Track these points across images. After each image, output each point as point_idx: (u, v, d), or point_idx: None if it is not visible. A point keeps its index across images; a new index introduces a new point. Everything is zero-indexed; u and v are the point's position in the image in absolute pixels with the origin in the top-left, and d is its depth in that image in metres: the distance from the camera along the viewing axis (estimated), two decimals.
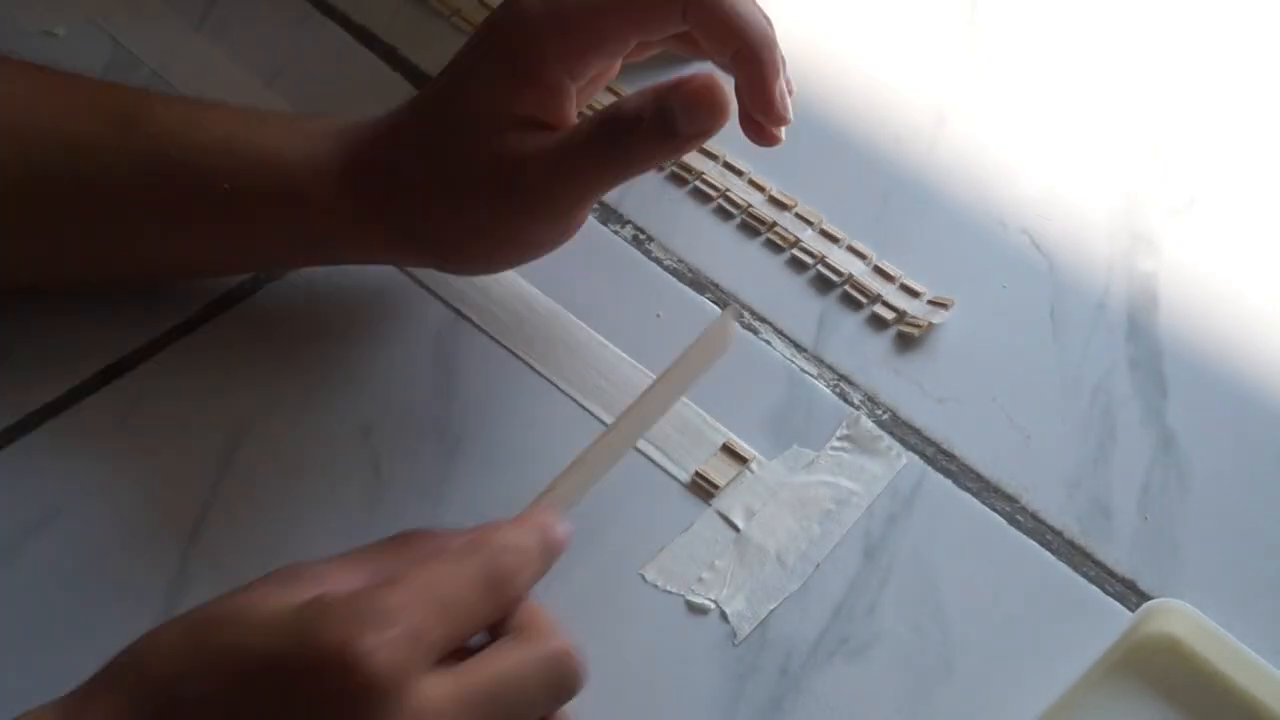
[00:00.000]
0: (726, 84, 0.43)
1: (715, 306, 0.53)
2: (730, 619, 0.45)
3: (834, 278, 0.54)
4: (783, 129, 0.46)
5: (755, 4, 0.46)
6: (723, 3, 0.45)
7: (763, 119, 0.46)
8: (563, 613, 0.43)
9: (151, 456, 0.48)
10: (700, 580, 0.46)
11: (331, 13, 0.65)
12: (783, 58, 0.46)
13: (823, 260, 0.54)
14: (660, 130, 0.43)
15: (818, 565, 0.46)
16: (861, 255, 0.54)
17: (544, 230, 0.47)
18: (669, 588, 0.46)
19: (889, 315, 0.52)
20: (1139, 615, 0.44)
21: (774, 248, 0.55)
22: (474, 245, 0.47)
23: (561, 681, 0.36)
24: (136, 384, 0.50)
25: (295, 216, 0.47)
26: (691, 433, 0.49)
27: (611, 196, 0.57)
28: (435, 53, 0.63)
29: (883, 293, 0.53)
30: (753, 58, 0.45)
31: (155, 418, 0.49)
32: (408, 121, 0.47)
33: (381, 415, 0.49)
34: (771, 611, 0.45)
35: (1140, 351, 0.52)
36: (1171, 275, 0.54)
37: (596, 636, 0.44)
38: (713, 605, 0.45)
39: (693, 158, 0.58)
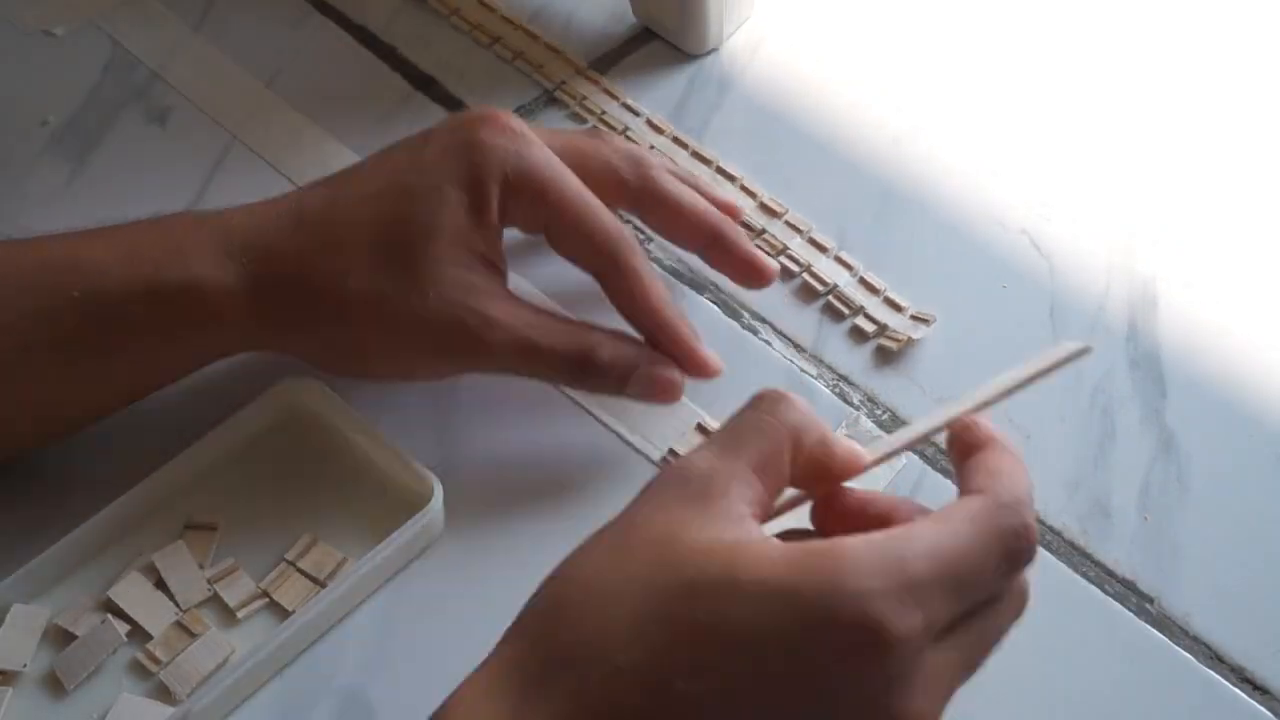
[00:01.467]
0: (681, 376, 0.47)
1: (715, 307, 0.53)
2: None
3: (819, 287, 0.54)
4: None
5: (701, 196, 0.50)
6: (668, 204, 0.48)
7: (749, 283, 0.50)
8: None
9: None
10: None
11: (331, 13, 0.65)
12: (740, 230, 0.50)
13: (809, 269, 0.54)
14: (616, 387, 0.47)
15: None
16: (848, 266, 0.54)
17: (449, 372, 0.48)
18: None
19: (870, 328, 0.52)
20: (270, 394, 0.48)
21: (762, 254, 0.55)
22: (376, 367, 0.48)
23: (1021, 614, 0.35)
24: None
25: (208, 340, 0.46)
26: (690, 432, 0.49)
27: None
28: (435, 53, 0.63)
29: (866, 305, 0.53)
30: (716, 246, 0.49)
31: None
32: (314, 232, 0.46)
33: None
34: None
35: (1140, 352, 0.52)
36: (1171, 276, 0.54)
37: None
38: None
39: (687, 163, 0.58)
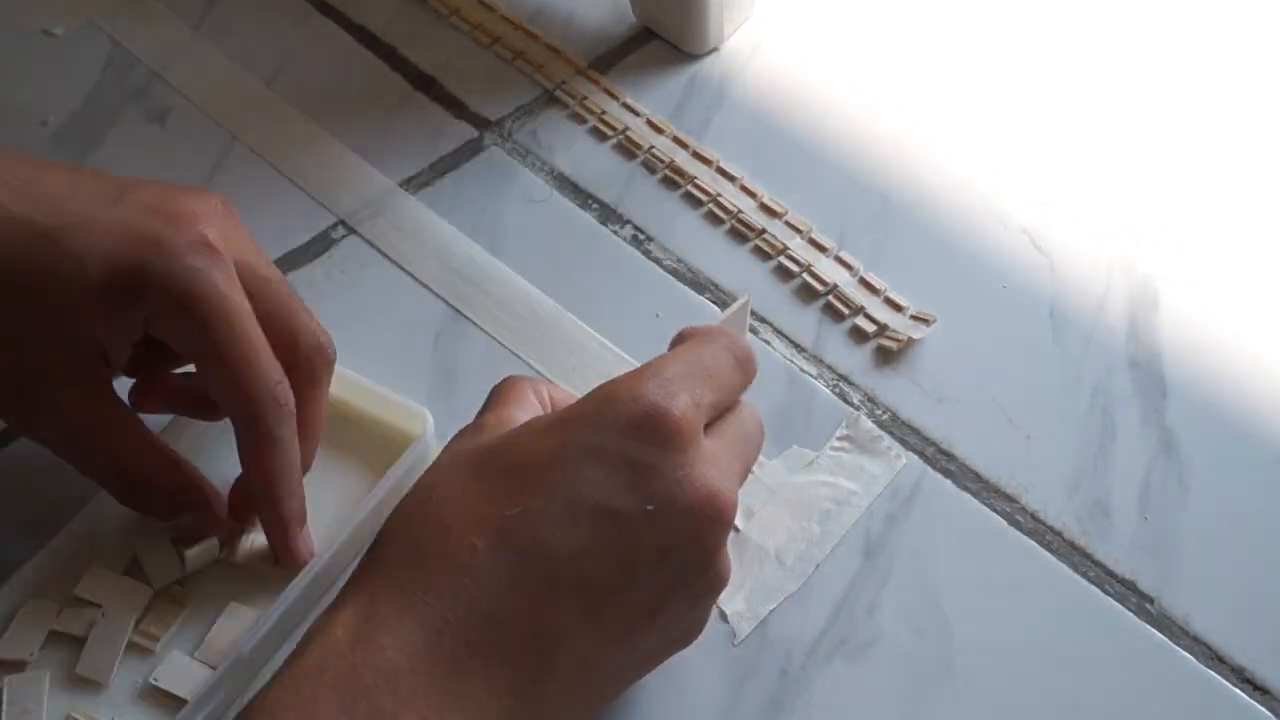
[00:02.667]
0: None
1: (715, 307, 0.53)
2: (730, 619, 0.45)
3: (819, 287, 0.54)
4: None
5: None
6: (308, 397, 0.44)
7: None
8: None
9: None
10: None
11: (331, 13, 0.65)
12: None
13: (809, 269, 0.54)
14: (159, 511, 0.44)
15: (817, 565, 0.46)
16: (848, 266, 0.54)
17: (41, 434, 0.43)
18: None
19: (870, 328, 0.52)
20: None
21: (762, 254, 0.55)
22: None
23: (761, 435, 0.41)
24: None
25: None
26: None
27: (612, 197, 0.57)
28: (435, 53, 0.63)
29: (866, 305, 0.53)
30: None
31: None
32: None
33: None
34: (771, 612, 0.45)
35: (1140, 352, 0.52)
36: (1171, 276, 0.54)
37: None
38: None
39: (686, 163, 0.58)
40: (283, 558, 0.44)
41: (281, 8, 0.65)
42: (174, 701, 0.42)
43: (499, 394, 0.41)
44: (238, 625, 0.44)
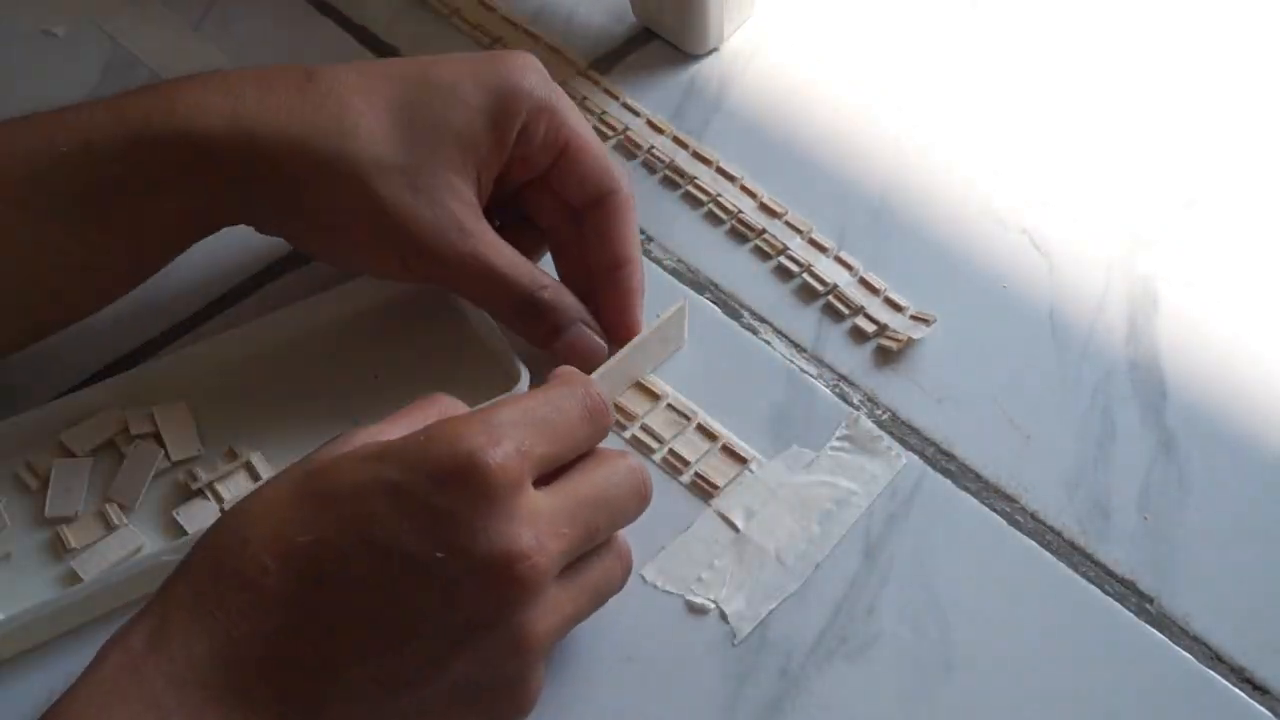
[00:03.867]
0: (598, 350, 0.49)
1: (715, 306, 0.53)
2: (730, 619, 0.45)
3: (819, 287, 0.54)
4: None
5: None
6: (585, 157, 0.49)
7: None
8: None
9: None
10: (700, 580, 0.46)
11: (331, 13, 0.65)
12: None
13: (809, 269, 0.54)
14: (549, 336, 0.48)
15: (817, 565, 0.46)
16: (848, 266, 0.54)
17: (397, 270, 0.48)
18: (668, 588, 0.46)
19: (870, 328, 0.52)
20: None
21: (762, 254, 0.55)
22: (331, 241, 0.48)
23: (643, 491, 0.41)
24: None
25: (195, 194, 0.46)
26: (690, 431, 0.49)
27: None
28: (435, 53, 0.63)
29: (866, 305, 0.53)
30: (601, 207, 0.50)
31: None
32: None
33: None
34: (771, 611, 0.45)
35: (1140, 352, 0.52)
36: (1171, 276, 0.54)
37: (596, 637, 0.44)
38: (712, 605, 0.45)
39: (686, 163, 0.58)
40: (633, 326, 0.49)
41: (282, 8, 0.65)
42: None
43: (402, 411, 0.40)
44: None
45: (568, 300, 0.48)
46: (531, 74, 0.48)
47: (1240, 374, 0.51)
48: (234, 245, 0.51)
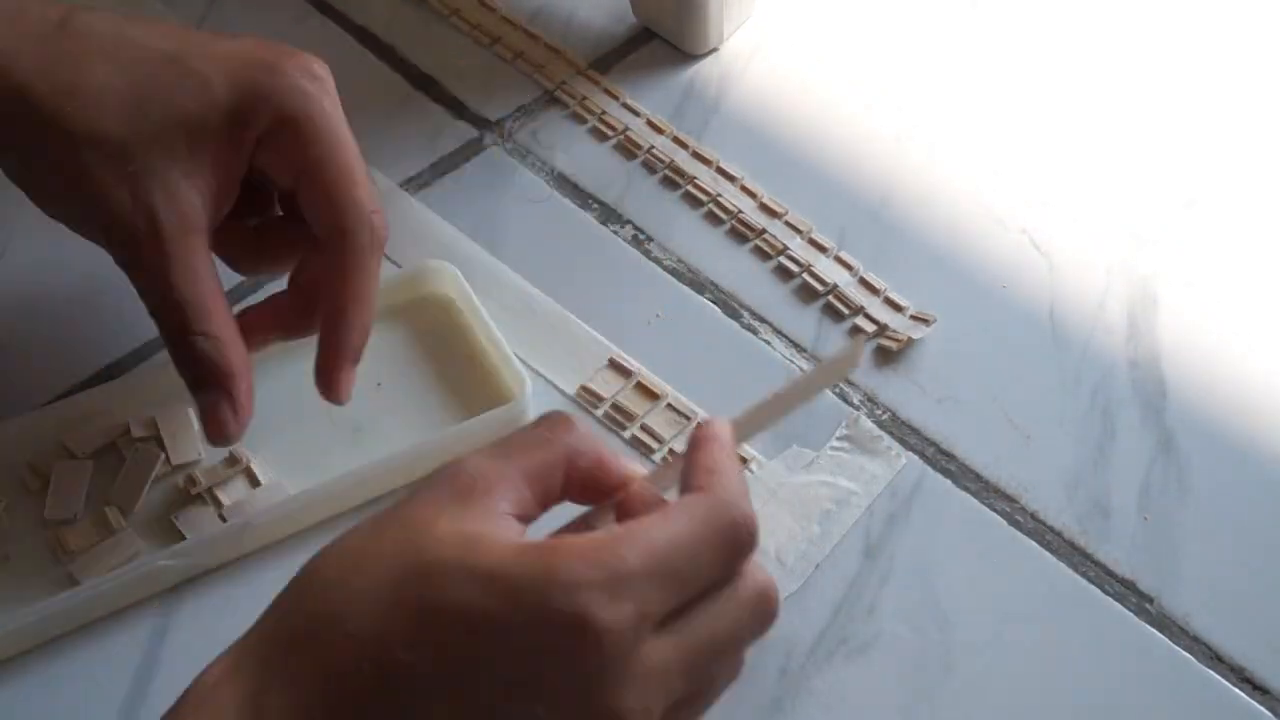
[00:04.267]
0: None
1: (715, 306, 0.53)
2: None
3: (819, 287, 0.54)
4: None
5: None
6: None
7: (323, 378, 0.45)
8: None
9: None
10: None
11: (331, 13, 0.65)
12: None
13: (809, 269, 0.54)
14: (189, 381, 0.44)
15: (817, 565, 0.46)
16: (848, 266, 0.54)
17: (80, 230, 0.45)
18: None
19: (870, 328, 0.52)
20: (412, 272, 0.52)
21: (762, 254, 0.55)
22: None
23: (766, 620, 0.36)
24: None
25: None
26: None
27: (611, 197, 0.57)
28: (435, 53, 0.63)
29: (866, 305, 0.53)
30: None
31: None
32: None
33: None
34: None
35: (1140, 352, 0.52)
36: (1171, 276, 0.54)
37: None
38: None
39: (686, 163, 0.58)
40: (326, 390, 0.44)
41: (281, 8, 0.65)
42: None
43: (528, 440, 0.36)
44: (271, 496, 0.47)
45: (224, 359, 0.43)
46: (295, 78, 0.43)
47: (1240, 374, 0.51)
48: None
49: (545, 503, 0.36)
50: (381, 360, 0.50)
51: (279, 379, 0.49)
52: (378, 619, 0.33)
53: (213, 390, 0.43)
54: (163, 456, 0.47)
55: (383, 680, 0.32)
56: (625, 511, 0.36)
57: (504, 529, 0.34)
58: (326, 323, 0.44)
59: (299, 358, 0.48)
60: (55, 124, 0.42)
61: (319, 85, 0.44)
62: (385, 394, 0.50)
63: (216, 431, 0.43)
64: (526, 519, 0.36)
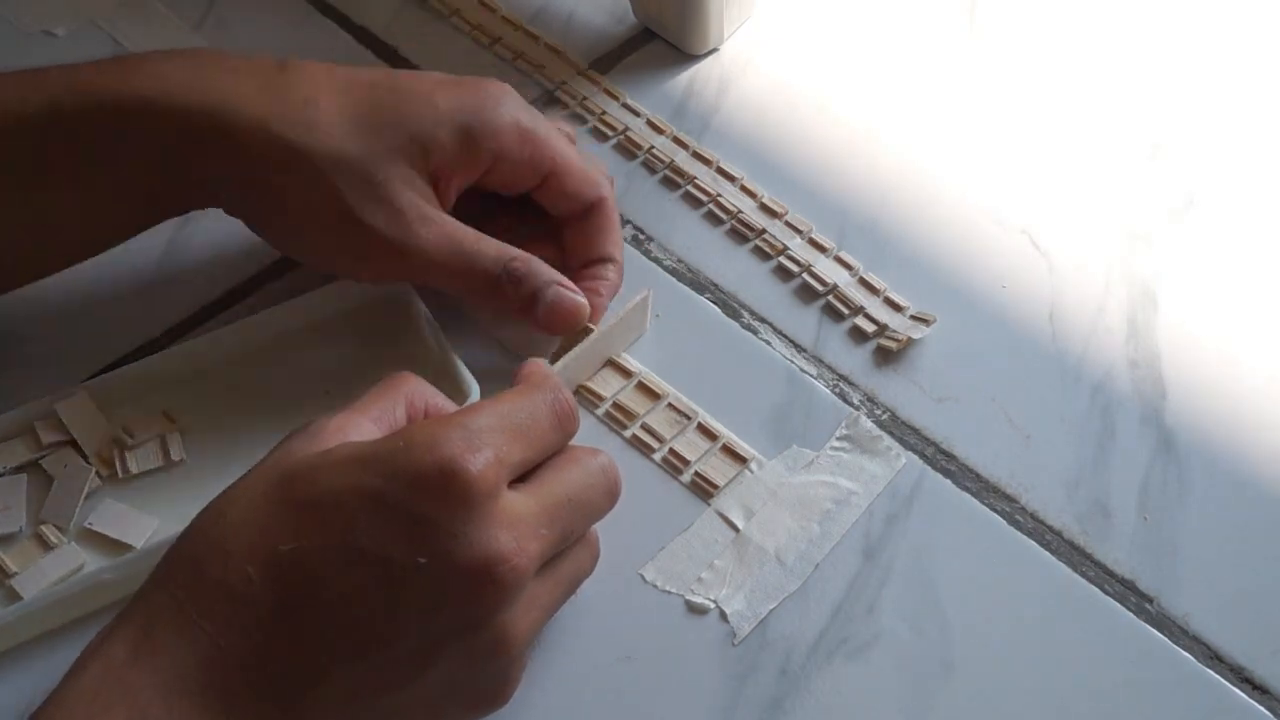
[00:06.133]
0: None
1: (715, 307, 0.53)
2: (730, 619, 0.45)
3: (819, 287, 0.54)
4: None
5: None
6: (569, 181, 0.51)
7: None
8: (562, 612, 0.43)
9: None
10: (699, 580, 0.46)
11: (331, 13, 0.65)
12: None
13: (809, 269, 0.54)
14: (526, 304, 0.48)
15: (817, 565, 0.46)
16: (848, 266, 0.54)
17: (331, 259, 0.49)
18: (668, 588, 0.46)
19: (870, 328, 0.52)
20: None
21: (762, 254, 0.55)
22: (298, 237, 0.48)
23: (614, 489, 0.42)
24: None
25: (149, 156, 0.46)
26: (690, 432, 0.49)
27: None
28: (435, 53, 0.63)
29: (866, 305, 0.53)
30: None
31: None
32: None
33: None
34: (771, 611, 0.45)
35: (1140, 352, 0.52)
36: (1171, 276, 0.54)
37: (596, 636, 0.44)
38: (712, 605, 0.45)
39: (686, 163, 0.58)
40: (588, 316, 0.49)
41: (282, 8, 0.65)
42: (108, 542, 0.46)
43: (370, 394, 0.41)
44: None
45: (539, 267, 0.48)
46: (511, 100, 0.49)
47: (1240, 374, 0.51)
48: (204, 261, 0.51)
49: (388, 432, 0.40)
50: (329, 364, 0.50)
51: (223, 388, 0.49)
52: (254, 529, 0.36)
53: (550, 288, 0.48)
54: (93, 471, 0.47)
55: (272, 577, 0.35)
56: None
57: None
58: (591, 269, 0.51)
59: (243, 364, 0.50)
60: (303, 155, 0.45)
61: (523, 103, 0.50)
62: (334, 399, 0.48)
63: (576, 312, 0.48)
64: None
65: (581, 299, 0.48)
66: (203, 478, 0.46)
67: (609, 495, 0.42)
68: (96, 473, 0.47)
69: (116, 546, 0.45)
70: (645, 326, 0.52)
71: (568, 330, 0.49)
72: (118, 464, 0.47)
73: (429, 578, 0.35)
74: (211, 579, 0.35)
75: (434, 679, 0.37)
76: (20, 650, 0.44)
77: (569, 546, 0.41)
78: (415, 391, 0.41)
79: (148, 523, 0.46)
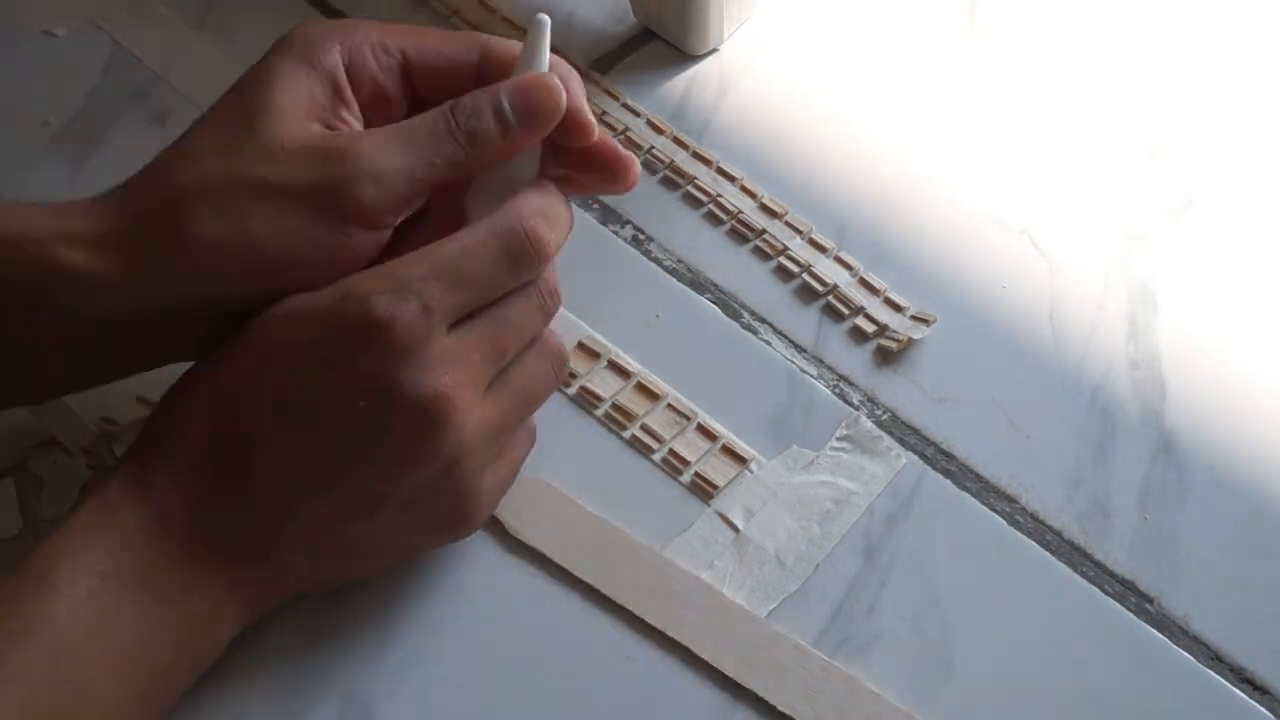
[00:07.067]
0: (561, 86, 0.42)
1: (715, 307, 0.53)
2: None
3: (819, 288, 0.54)
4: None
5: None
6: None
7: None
8: (562, 613, 0.43)
9: None
10: (699, 580, 0.46)
11: (332, 13, 0.65)
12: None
13: (809, 269, 0.54)
14: (482, 137, 0.41)
15: (817, 565, 0.46)
16: (848, 266, 0.54)
17: (361, 238, 0.40)
18: None
19: (870, 328, 0.52)
20: None
21: (762, 254, 0.55)
22: (284, 262, 0.39)
23: (547, 306, 0.42)
24: None
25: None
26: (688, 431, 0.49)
27: (612, 197, 0.57)
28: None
29: (866, 305, 0.53)
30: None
31: None
32: (201, 137, 0.42)
33: None
34: (771, 611, 0.45)
35: (1140, 352, 0.52)
36: (1171, 276, 0.54)
37: (597, 636, 0.44)
38: None
39: (686, 163, 0.58)
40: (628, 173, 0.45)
41: (282, 8, 0.65)
42: None
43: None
44: None
45: (472, 94, 0.41)
46: (324, 33, 0.44)
47: (1240, 374, 0.51)
48: None
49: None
50: None
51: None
52: (214, 394, 0.39)
53: (503, 89, 0.41)
54: (83, 463, 0.47)
55: (222, 433, 0.38)
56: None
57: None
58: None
59: None
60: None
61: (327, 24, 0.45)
62: None
63: (540, 89, 0.41)
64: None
65: (529, 74, 0.41)
66: None
67: (541, 311, 0.42)
68: (87, 465, 0.47)
69: None
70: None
71: (554, 108, 0.41)
72: (106, 453, 0.47)
73: (372, 420, 0.38)
74: (178, 437, 0.39)
75: (394, 510, 0.40)
76: None
77: (518, 358, 0.42)
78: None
79: None
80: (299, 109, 0.41)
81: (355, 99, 0.43)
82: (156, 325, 0.40)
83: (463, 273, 0.39)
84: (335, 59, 0.43)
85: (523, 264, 0.40)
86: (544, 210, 0.41)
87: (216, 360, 0.40)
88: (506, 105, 0.41)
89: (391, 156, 0.40)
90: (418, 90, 0.44)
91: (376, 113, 0.43)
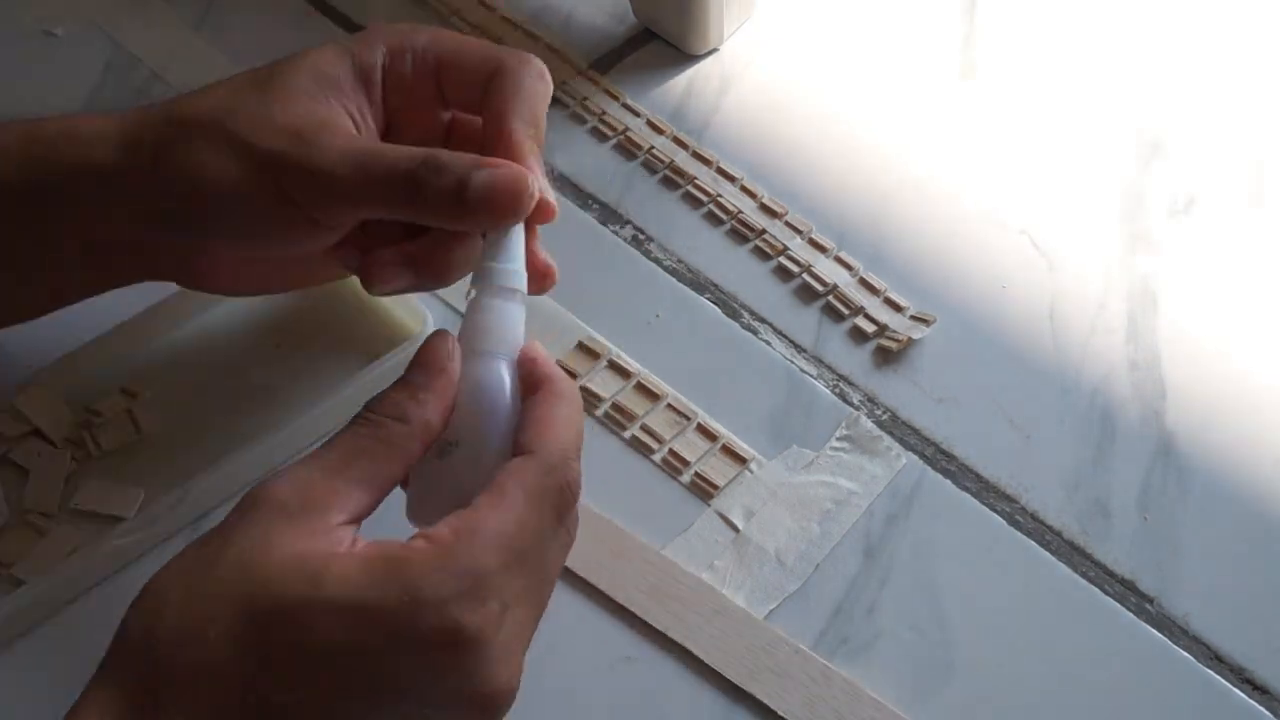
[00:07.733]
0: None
1: (715, 307, 0.53)
2: None
3: (819, 288, 0.54)
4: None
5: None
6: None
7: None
8: (562, 613, 0.43)
9: None
10: (700, 580, 0.46)
11: (331, 13, 0.65)
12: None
13: (809, 269, 0.54)
14: (455, 194, 0.40)
15: (817, 565, 0.46)
16: (848, 266, 0.54)
17: (303, 235, 0.41)
18: None
19: (870, 328, 0.52)
20: None
21: (762, 254, 0.55)
22: (234, 215, 0.41)
23: (571, 544, 0.39)
24: None
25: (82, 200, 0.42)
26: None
27: (611, 197, 0.57)
28: None
29: (866, 305, 0.53)
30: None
31: None
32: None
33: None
34: (771, 611, 0.45)
35: (1140, 353, 0.52)
36: (1171, 276, 0.54)
37: (597, 636, 0.44)
38: None
39: (686, 163, 0.58)
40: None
41: (282, 8, 0.65)
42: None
43: (342, 441, 0.37)
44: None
45: (462, 154, 0.40)
46: (373, 32, 0.44)
47: (1240, 374, 0.51)
48: None
49: (379, 499, 0.37)
50: (277, 318, 0.51)
51: (169, 352, 0.50)
52: (244, 664, 0.33)
53: (477, 170, 0.40)
54: (68, 454, 0.47)
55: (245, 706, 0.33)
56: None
57: (338, 541, 0.35)
58: (500, 142, 0.42)
59: (194, 331, 0.51)
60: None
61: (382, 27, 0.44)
62: (285, 353, 0.50)
63: (516, 182, 0.39)
64: (359, 520, 0.36)
65: (516, 167, 0.40)
66: (173, 443, 0.47)
67: (571, 544, 0.39)
68: (71, 456, 0.47)
69: (108, 521, 0.46)
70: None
71: (510, 211, 0.40)
72: (90, 443, 0.47)
73: (431, 713, 0.35)
74: (203, 716, 0.33)
75: None
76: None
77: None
78: (407, 446, 0.37)
79: (133, 493, 0.46)
80: (313, 86, 0.41)
81: (386, 101, 0.43)
82: (158, 233, 0.42)
83: (528, 556, 0.35)
84: (376, 57, 0.43)
85: (566, 515, 0.37)
86: (578, 443, 0.38)
87: (208, 621, 0.33)
88: (475, 183, 0.39)
89: (347, 165, 0.39)
90: (448, 98, 0.44)
91: (413, 116, 0.44)
